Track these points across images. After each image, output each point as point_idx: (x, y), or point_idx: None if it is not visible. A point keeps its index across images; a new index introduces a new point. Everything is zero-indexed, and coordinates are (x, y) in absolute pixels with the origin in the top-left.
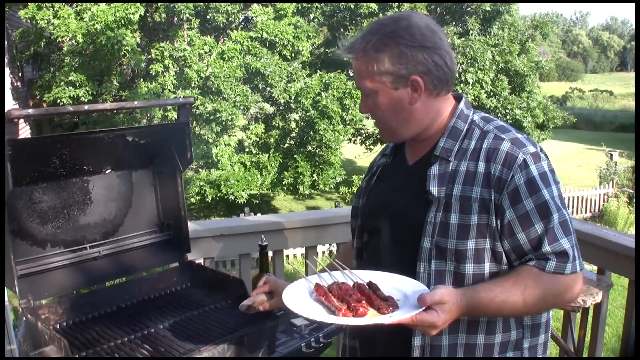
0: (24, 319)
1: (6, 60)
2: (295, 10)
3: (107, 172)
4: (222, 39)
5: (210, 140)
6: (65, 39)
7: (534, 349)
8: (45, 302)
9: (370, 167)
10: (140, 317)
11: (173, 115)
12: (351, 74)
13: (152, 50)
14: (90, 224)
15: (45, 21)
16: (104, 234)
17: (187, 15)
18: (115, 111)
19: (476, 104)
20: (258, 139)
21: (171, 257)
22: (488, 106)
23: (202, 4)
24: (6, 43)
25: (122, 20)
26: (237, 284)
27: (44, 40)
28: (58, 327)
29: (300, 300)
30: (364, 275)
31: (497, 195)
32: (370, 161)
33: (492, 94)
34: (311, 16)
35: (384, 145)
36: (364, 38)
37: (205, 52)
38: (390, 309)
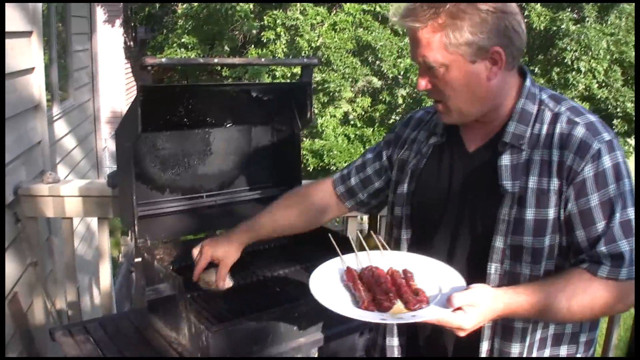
0: (138, 259)
1: (120, 21)
2: None
3: (228, 125)
4: (334, 10)
5: (316, 111)
6: (180, 2)
7: (590, 343)
8: (159, 243)
9: (411, 143)
10: (248, 266)
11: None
12: None
13: (264, 17)
14: (208, 174)
15: None
16: (220, 184)
17: None
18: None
19: (587, 93)
20: (364, 112)
21: None
22: (599, 96)
23: None
24: (121, 4)
25: None
26: (343, 241)
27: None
28: (171, 268)
29: (328, 284)
30: (404, 260)
31: (566, 187)
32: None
33: (604, 84)
34: None
35: (416, 118)
36: (431, 4)
37: (318, 23)
38: (417, 305)
